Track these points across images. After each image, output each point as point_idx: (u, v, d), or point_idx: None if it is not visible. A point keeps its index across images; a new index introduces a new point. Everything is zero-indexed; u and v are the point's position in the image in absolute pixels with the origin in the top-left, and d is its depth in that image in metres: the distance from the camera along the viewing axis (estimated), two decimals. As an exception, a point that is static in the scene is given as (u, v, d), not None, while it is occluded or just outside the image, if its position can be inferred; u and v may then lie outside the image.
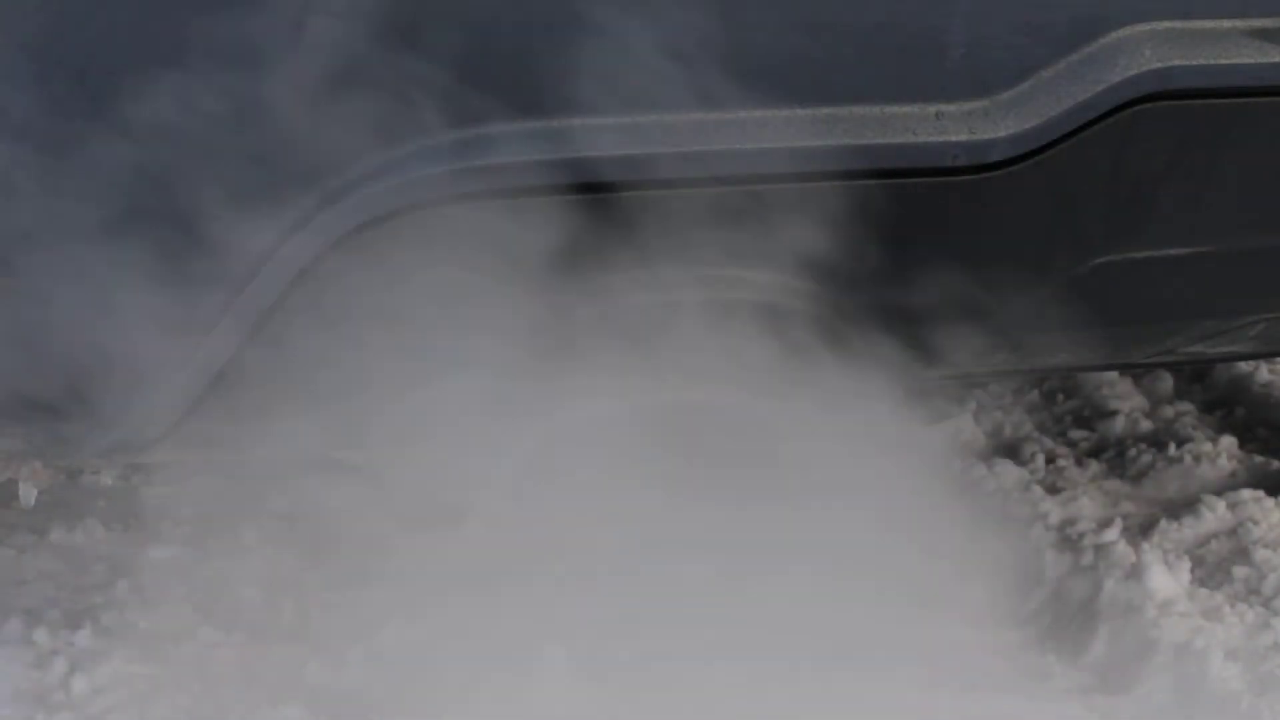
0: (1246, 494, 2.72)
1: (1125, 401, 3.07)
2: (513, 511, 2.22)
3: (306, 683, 2.24)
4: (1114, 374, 3.12)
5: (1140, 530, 2.64)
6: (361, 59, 1.68)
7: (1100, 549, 2.51)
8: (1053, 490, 2.74)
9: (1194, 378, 3.19)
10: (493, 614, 2.35)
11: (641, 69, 1.75)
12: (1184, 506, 2.71)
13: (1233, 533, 2.64)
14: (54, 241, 1.70)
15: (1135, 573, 2.44)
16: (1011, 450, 2.87)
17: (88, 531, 2.56)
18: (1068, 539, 2.56)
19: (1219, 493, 2.74)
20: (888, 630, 2.36)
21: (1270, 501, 2.70)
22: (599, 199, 1.77)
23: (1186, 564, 2.49)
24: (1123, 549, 2.50)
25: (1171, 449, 2.89)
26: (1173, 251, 2.06)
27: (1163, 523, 2.66)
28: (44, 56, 1.65)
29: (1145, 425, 3.01)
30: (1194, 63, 1.91)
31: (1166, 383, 3.14)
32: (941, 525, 2.56)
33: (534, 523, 2.25)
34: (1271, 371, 3.20)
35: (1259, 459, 2.91)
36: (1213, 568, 2.55)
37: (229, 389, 1.80)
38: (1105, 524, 2.61)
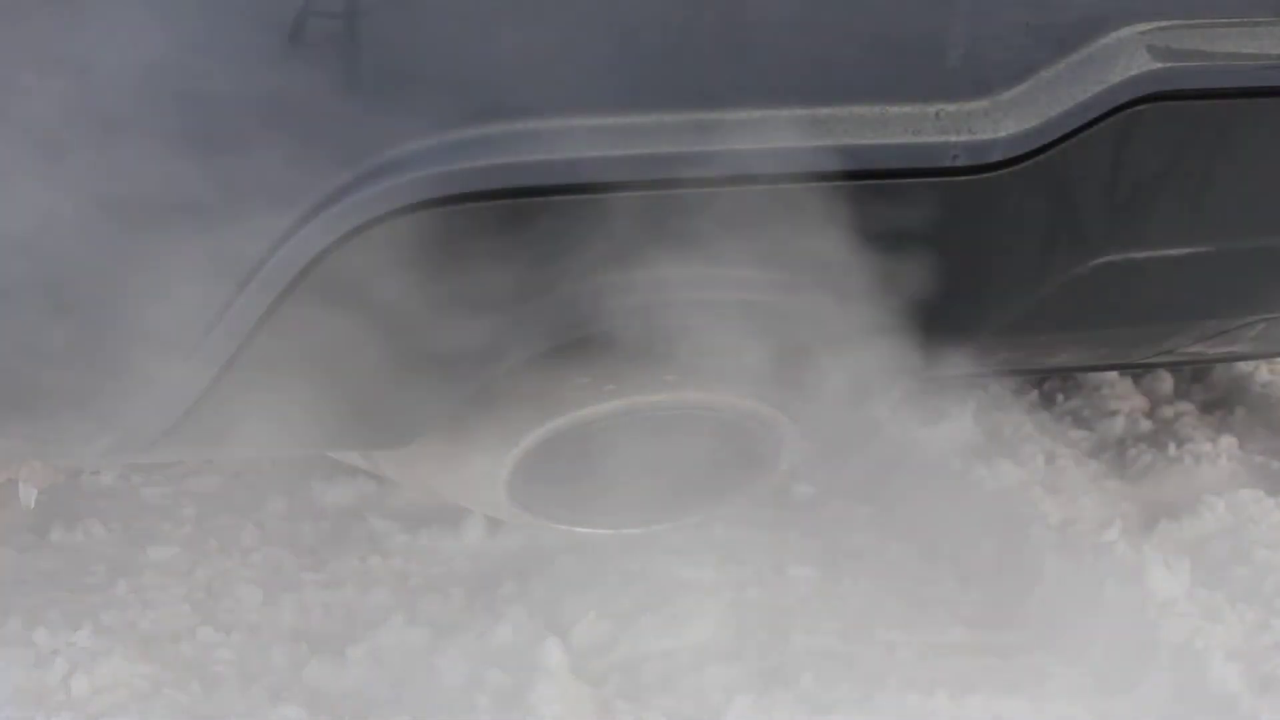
0: (1246, 494, 2.72)
1: (1125, 401, 3.07)
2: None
3: (306, 683, 2.24)
4: (1114, 374, 3.12)
5: (1140, 530, 2.64)
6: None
7: (1100, 549, 2.51)
8: (1053, 490, 2.74)
9: (1194, 378, 3.19)
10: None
11: (639, 68, 1.75)
12: (1184, 506, 2.71)
13: (1233, 533, 2.64)
14: (53, 241, 1.70)
15: (1135, 573, 2.44)
16: (1011, 450, 2.87)
17: (88, 531, 2.56)
18: (1068, 539, 2.56)
19: (1219, 493, 2.74)
20: (884, 631, 2.36)
21: (1270, 501, 2.70)
22: (603, 199, 1.77)
23: (1186, 564, 2.49)
24: (1123, 549, 2.50)
25: (1171, 449, 2.89)
26: (1173, 251, 2.06)
27: (1163, 523, 2.66)
28: (43, 53, 1.65)
29: (1145, 425, 3.01)
30: (1194, 63, 1.91)
31: (1166, 383, 3.14)
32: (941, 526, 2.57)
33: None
34: (1271, 371, 3.20)
35: (1259, 459, 2.91)
36: (1213, 568, 2.55)
37: (229, 388, 1.79)
38: (1105, 524, 2.61)
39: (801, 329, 1.97)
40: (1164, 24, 1.90)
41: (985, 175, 1.87)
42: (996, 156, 1.87)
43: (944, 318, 2.01)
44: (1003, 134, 1.86)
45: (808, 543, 2.52)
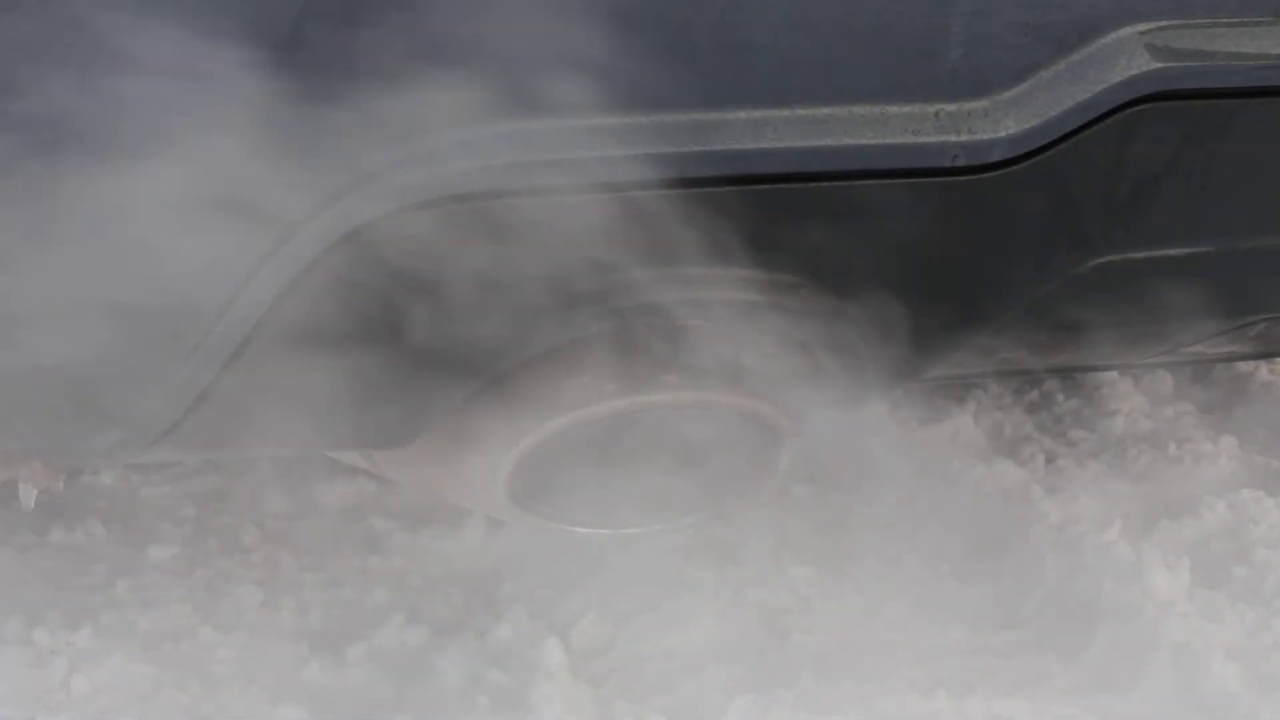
0: (1246, 494, 2.72)
1: (1125, 401, 3.07)
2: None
3: (306, 683, 2.24)
4: (1114, 374, 3.12)
5: (1140, 530, 2.64)
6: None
7: (1100, 549, 2.51)
8: (1053, 490, 2.74)
9: (1194, 378, 3.19)
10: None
11: (638, 68, 1.75)
12: (1184, 506, 2.71)
13: (1233, 533, 2.64)
14: (53, 240, 1.70)
15: (1135, 573, 2.44)
16: (1011, 450, 2.87)
17: (88, 531, 2.56)
18: (1068, 539, 2.56)
19: (1219, 493, 2.74)
20: (884, 631, 2.36)
21: (1270, 501, 2.70)
22: (598, 200, 1.77)
23: (1186, 564, 2.49)
24: (1123, 549, 2.50)
25: (1171, 449, 2.89)
26: (1173, 251, 2.06)
27: (1163, 523, 2.66)
28: (49, 56, 1.65)
29: (1145, 425, 3.01)
30: (1194, 63, 1.91)
31: (1166, 383, 3.14)
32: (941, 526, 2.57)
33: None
34: (1271, 371, 3.19)
35: (1259, 459, 2.91)
36: (1213, 568, 2.55)
37: (229, 388, 1.79)
38: (1105, 524, 2.61)
39: (801, 329, 1.97)
40: (1164, 24, 1.90)
41: (985, 175, 1.87)
42: (996, 156, 1.87)
43: (944, 318, 2.01)
44: (1003, 134, 1.86)
45: (808, 543, 2.52)
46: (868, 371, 2.02)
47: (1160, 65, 1.88)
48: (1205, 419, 3.05)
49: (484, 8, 1.69)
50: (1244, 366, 3.18)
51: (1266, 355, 2.81)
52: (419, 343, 1.82)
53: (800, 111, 1.80)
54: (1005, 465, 2.78)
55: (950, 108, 1.84)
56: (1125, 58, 1.87)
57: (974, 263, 1.97)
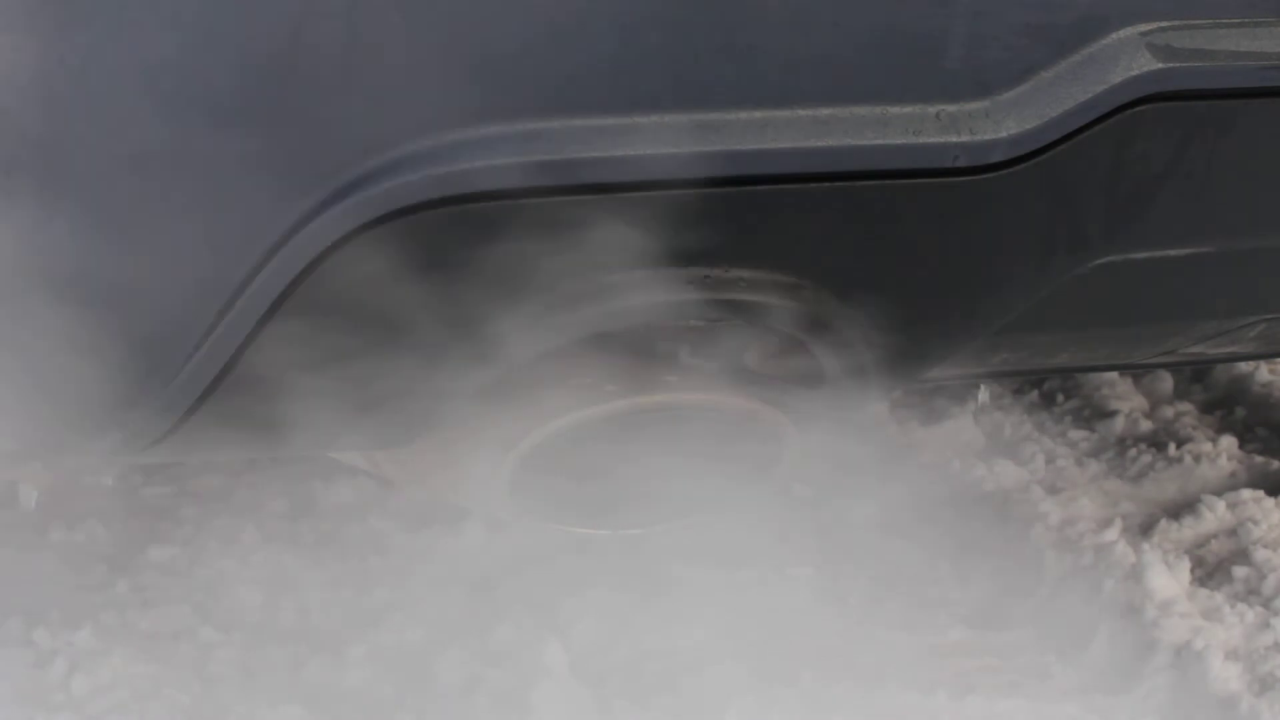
0: (1246, 494, 2.72)
1: (1125, 401, 3.07)
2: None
3: (306, 683, 2.24)
4: (1114, 374, 3.12)
5: (1140, 530, 2.64)
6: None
7: (1100, 549, 2.51)
8: (1053, 490, 2.74)
9: (1194, 378, 3.19)
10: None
11: (639, 68, 1.74)
12: (1184, 506, 2.72)
13: (1233, 533, 2.65)
14: (52, 241, 1.70)
15: (1135, 573, 2.44)
16: (1011, 450, 2.87)
17: (88, 531, 2.56)
18: (1068, 539, 2.56)
19: (1219, 493, 2.75)
20: (884, 631, 2.36)
21: (1270, 501, 2.70)
22: (598, 200, 1.77)
23: (1186, 564, 2.49)
24: (1123, 549, 2.51)
25: (1171, 449, 2.89)
26: (1173, 252, 2.06)
27: (1163, 523, 2.66)
28: (46, 49, 1.65)
29: (1145, 425, 3.01)
30: (1194, 63, 1.91)
31: (1166, 383, 3.14)
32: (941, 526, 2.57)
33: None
34: (1271, 371, 3.20)
35: (1259, 459, 2.91)
36: (1213, 568, 2.56)
37: (229, 389, 1.79)
38: (1105, 524, 2.61)
39: (802, 330, 1.97)
40: (1165, 24, 1.89)
41: (986, 176, 1.87)
42: (997, 157, 1.86)
43: (945, 318, 2.01)
44: (1004, 134, 1.85)
45: (808, 543, 2.52)
46: (868, 372, 2.02)
47: (1162, 65, 1.88)
48: (1205, 419, 3.05)
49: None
50: (1244, 366, 3.18)
51: (1266, 355, 2.81)
52: (420, 344, 1.81)
53: (801, 112, 1.80)
54: (1005, 465, 2.78)
55: (951, 108, 1.84)
56: (1126, 58, 1.87)
57: (975, 263, 1.96)
